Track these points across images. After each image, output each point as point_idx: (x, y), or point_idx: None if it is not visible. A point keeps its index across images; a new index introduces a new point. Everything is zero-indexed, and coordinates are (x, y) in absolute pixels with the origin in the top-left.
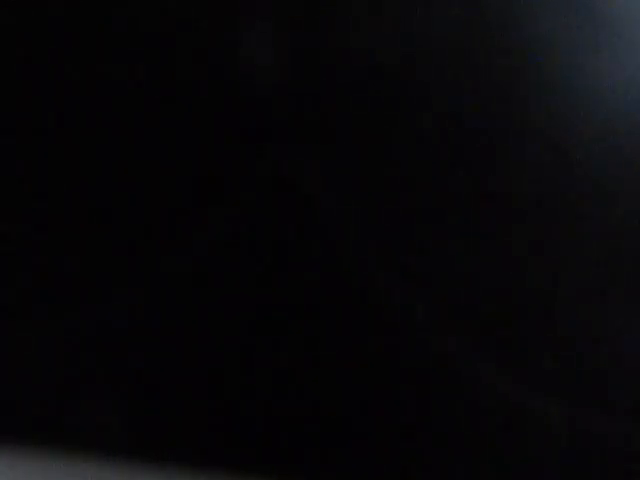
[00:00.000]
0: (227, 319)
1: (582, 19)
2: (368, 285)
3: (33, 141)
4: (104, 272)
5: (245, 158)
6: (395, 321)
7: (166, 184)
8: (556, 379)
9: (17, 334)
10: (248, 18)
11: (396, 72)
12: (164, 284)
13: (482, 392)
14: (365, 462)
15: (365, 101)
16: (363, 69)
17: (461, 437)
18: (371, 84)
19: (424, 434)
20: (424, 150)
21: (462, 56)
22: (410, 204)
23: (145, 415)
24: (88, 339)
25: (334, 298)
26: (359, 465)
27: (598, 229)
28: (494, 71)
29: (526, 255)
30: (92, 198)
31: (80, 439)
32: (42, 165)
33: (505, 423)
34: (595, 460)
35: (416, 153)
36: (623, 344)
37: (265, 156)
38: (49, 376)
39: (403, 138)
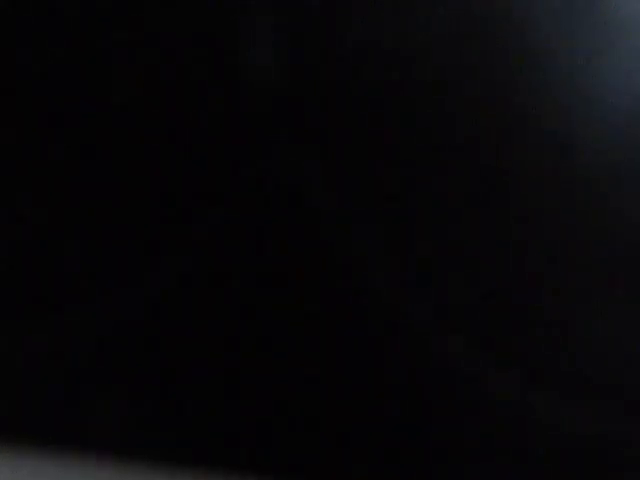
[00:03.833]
0: (227, 320)
1: (584, 20)
2: (368, 285)
3: (33, 140)
4: (104, 272)
5: (245, 159)
6: (395, 321)
7: (166, 184)
8: (556, 379)
9: (17, 334)
10: (248, 18)
11: (397, 72)
12: (163, 285)
13: (482, 392)
14: (364, 462)
15: (367, 103)
16: (364, 69)
17: (461, 437)
18: (372, 85)
19: (424, 434)
20: (424, 150)
21: (462, 56)
22: (411, 204)
23: (145, 415)
24: (88, 339)
25: (334, 298)
26: (358, 465)
27: (598, 229)
28: (494, 71)
29: (526, 255)
30: (92, 198)
31: (80, 439)
32: (42, 164)
33: (505, 423)
34: (595, 460)
35: (416, 153)
36: (623, 344)
37: (265, 157)
38: (49, 376)
39: (404, 139)
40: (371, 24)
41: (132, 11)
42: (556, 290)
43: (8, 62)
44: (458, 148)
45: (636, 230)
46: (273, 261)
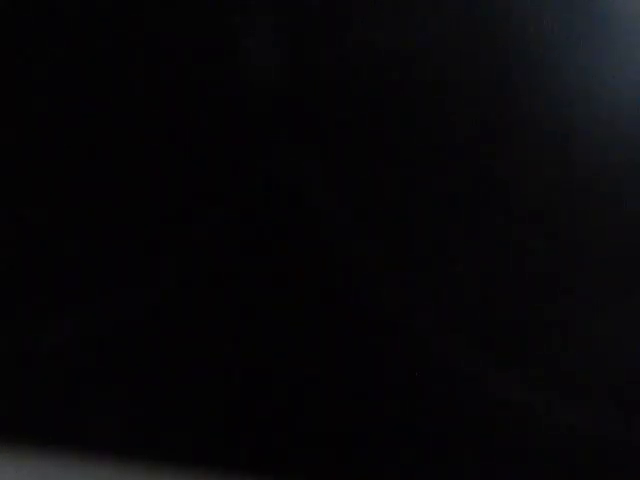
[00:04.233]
0: (227, 320)
1: (582, 18)
2: (368, 285)
3: (33, 139)
4: (104, 272)
5: (245, 159)
6: (395, 321)
7: (167, 184)
8: (556, 379)
9: (17, 334)
10: (248, 18)
11: (397, 72)
12: (163, 285)
13: (482, 392)
14: (364, 462)
15: (367, 103)
16: (364, 69)
17: (461, 437)
18: (372, 85)
19: (424, 433)
20: (424, 150)
21: (462, 56)
22: (410, 205)
23: (145, 415)
24: (88, 339)
25: (334, 298)
26: (358, 465)
27: (598, 229)
28: (494, 71)
29: (526, 255)
30: (93, 198)
31: (80, 439)
32: (42, 164)
33: (505, 423)
34: (595, 460)
35: (416, 154)
36: (623, 344)
37: (265, 157)
38: (49, 376)
39: (404, 139)
40: (371, 24)
41: (133, 11)
42: (556, 290)
43: (8, 62)
44: (458, 148)
45: (636, 230)
46: (273, 261)
